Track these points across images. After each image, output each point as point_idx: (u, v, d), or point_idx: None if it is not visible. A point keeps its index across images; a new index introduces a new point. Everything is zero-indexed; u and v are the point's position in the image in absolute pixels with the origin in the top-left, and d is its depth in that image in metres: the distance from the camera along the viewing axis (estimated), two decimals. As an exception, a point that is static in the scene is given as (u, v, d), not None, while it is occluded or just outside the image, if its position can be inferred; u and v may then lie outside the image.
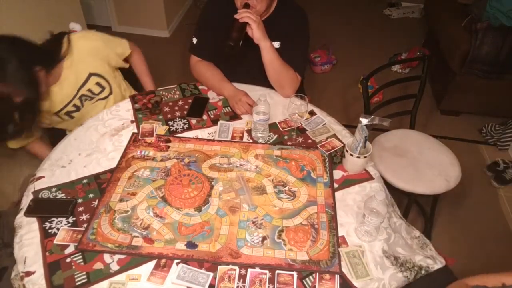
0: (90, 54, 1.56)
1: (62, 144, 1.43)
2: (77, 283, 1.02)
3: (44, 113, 1.52)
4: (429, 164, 1.73)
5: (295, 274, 1.05)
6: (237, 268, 1.06)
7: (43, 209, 1.19)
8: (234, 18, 1.42)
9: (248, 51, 1.50)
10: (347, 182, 1.31)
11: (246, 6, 1.45)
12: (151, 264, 1.07)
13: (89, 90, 1.60)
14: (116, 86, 1.69)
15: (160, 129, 1.48)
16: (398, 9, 3.97)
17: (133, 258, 1.08)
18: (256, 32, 1.44)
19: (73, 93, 1.57)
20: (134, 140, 1.43)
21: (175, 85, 1.69)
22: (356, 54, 3.39)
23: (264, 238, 1.13)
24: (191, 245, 1.11)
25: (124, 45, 1.70)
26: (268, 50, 1.50)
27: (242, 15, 1.41)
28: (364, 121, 1.23)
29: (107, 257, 1.08)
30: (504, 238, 2.07)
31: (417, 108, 1.96)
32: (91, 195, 1.24)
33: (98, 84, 1.61)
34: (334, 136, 1.47)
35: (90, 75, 1.58)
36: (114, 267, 1.06)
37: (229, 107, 1.59)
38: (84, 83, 1.57)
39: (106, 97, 1.67)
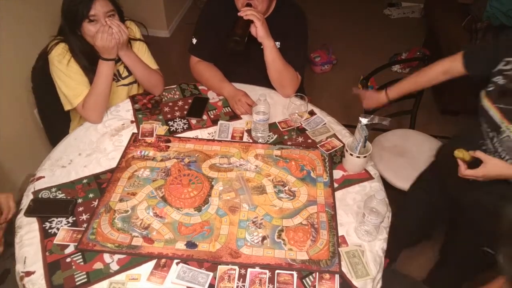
0: (134, 42, 1.62)
1: (62, 144, 1.43)
2: (77, 283, 1.02)
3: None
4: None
5: (295, 273, 1.05)
6: (237, 268, 1.06)
7: (43, 209, 1.19)
8: (238, 15, 1.42)
9: (248, 51, 1.50)
10: (347, 182, 1.31)
11: (248, 6, 1.45)
12: (151, 264, 1.07)
13: (118, 71, 1.62)
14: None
15: (160, 129, 1.48)
16: (398, 9, 3.97)
17: (133, 258, 1.08)
18: (260, 30, 1.44)
19: None
20: (134, 140, 1.43)
21: (175, 85, 1.69)
22: (356, 54, 3.39)
23: (264, 238, 1.13)
24: (191, 245, 1.11)
25: (153, 65, 1.70)
26: (271, 49, 1.50)
27: (247, 13, 1.41)
28: (364, 120, 1.23)
29: (107, 257, 1.08)
30: (504, 237, 2.06)
31: (417, 108, 1.96)
32: (91, 195, 1.24)
33: (126, 68, 1.63)
34: (334, 135, 1.47)
35: None
36: (114, 267, 1.06)
37: (229, 107, 1.59)
38: (118, 59, 1.58)
39: (129, 84, 1.67)
